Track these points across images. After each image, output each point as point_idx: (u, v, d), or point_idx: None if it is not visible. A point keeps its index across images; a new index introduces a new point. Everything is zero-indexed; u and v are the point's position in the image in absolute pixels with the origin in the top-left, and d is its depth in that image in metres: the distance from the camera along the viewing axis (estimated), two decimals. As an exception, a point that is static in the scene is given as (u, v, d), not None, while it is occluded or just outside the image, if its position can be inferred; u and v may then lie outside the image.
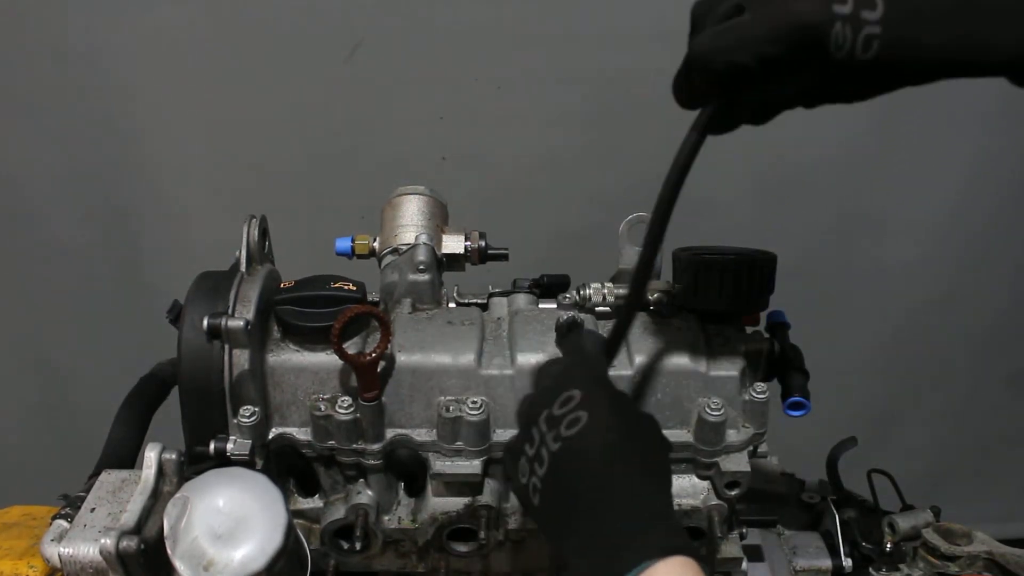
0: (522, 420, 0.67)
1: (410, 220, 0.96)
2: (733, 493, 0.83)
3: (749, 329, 0.88)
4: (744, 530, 0.89)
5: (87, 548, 0.72)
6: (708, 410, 0.80)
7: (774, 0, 0.54)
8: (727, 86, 0.58)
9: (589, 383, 0.65)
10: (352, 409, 0.80)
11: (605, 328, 0.88)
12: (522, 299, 0.93)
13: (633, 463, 0.61)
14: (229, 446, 0.79)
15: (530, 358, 0.84)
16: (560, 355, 0.80)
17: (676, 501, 0.84)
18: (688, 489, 0.85)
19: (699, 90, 0.60)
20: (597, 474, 0.60)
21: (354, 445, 0.82)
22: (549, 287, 0.96)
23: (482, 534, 0.83)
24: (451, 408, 0.81)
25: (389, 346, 0.80)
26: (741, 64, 0.55)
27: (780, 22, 0.53)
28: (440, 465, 0.83)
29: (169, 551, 0.68)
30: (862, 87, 0.58)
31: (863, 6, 0.52)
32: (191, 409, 0.82)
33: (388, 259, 0.94)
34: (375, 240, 0.97)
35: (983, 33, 0.53)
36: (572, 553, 0.59)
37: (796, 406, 0.84)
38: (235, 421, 0.80)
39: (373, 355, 0.78)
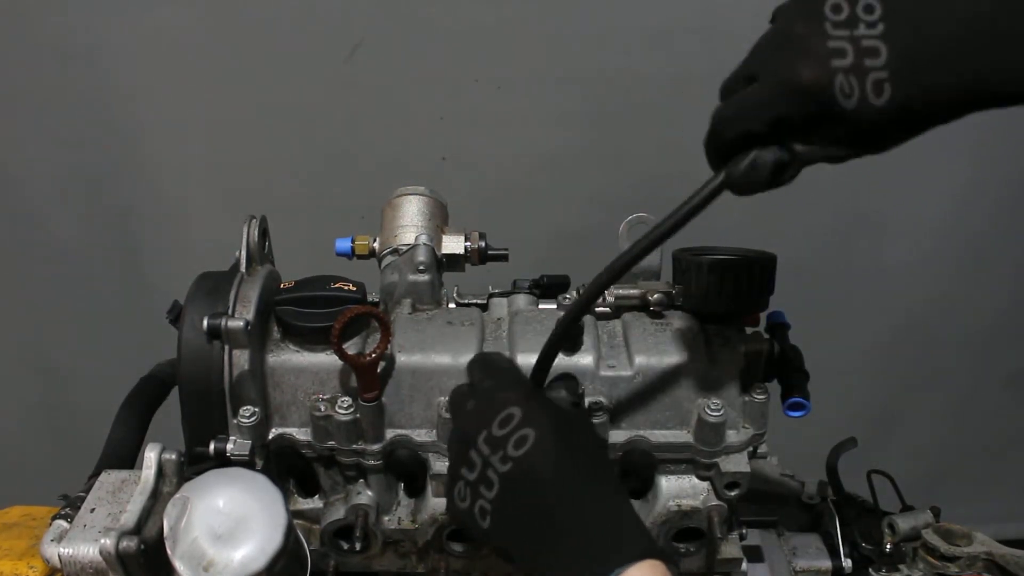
0: (455, 445, 0.68)
1: (410, 220, 0.96)
2: (733, 494, 0.83)
3: (749, 330, 0.88)
4: (744, 531, 0.89)
5: (87, 548, 0.72)
6: (708, 411, 0.80)
7: (779, 67, 0.57)
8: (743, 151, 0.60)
9: (524, 399, 0.66)
10: (352, 409, 0.80)
11: (606, 328, 0.88)
12: (522, 300, 0.93)
13: (587, 473, 0.63)
14: (229, 446, 0.79)
15: (530, 358, 0.83)
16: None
17: (676, 501, 0.84)
18: (688, 490, 0.85)
19: (723, 156, 0.63)
20: (557, 492, 0.61)
21: (354, 445, 0.82)
22: (549, 288, 0.96)
23: (482, 534, 0.83)
24: (451, 408, 0.81)
25: (389, 346, 0.80)
26: (752, 131, 0.58)
27: (783, 87, 0.56)
28: (440, 465, 0.83)
29: (169, 551, 0.68)
30: (889, 133, 0.57)
31: (865, 55, 0.53)
32: (191, 409, 0.82)
33: (388, 259, 0.94)
34: (375, 240, 0.97)
35: (1002, 62, 0.52)
36: (545, 569, 0.60)
37: (796, 407, 0.84)
38: (235, 421, 0.80)
39: (373, 355, 0.78)
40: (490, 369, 0.74)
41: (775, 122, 0.57)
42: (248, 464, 0.79)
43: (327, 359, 0.82)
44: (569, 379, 0.79)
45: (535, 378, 0.75)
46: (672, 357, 0.83)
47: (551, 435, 0.63)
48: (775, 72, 0.57)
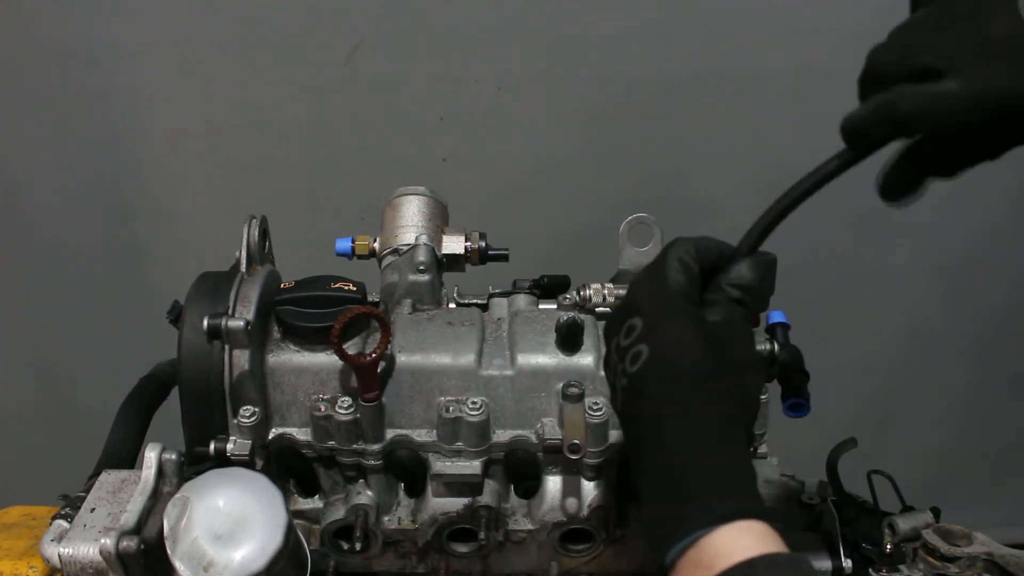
0: (604, 338, 0.64)
1: (410, 221, 0.96)
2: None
3: (749, 330, 0.88)
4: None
5: (87, 548, 0.72)
6: (708, 411, 0.80)
7: (977, 71, 0.54)
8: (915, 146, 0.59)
9: (653, 309, 0.60)
10: (352, 410, 0.80)
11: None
12: (522, 300, 0.93)
13: (699, 411, 0.56)
14: (229, 446, 0.79)
15: (530, 359, 0.84)
16: None
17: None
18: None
19: (879, 139, 0.60)
20: (657, 428, 0.56)
21: (354, 446, 0.82)
22: (549, 288, 0.96)
23: (482, 535, 0.83)
24: (451, 408, 0.81)
25: (389, 347, 0.80)
26: (940, 131, 0.56)
27: (988, 97, 0.54)
28: (440, 465, 0.83)
29: (169, 551, 0.68)
30: None
31: None
32: (191, 409, 0.82)
33: (388, 260, 0.94)
34: (375, 241, 0.97)
35: None
36: (641, 494, 0.58)
37: (796, 407, 0.84)
38: (235, 421, 0.80)
39: (373, 356, 0.78)
40: (650, 268, 0.64)
41: (959, 130, 0.56)
42: (248, 464, 0.79)
43: (327, 359, 0.82)
44: (749, 267, 0.64)
45: (753, 239, 0.65)
46: (672, 357, 0.83)
47: (666, 358, 0.57)
48: (971, 77, 0.54)
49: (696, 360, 0.57)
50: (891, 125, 0.58)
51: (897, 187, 0.63)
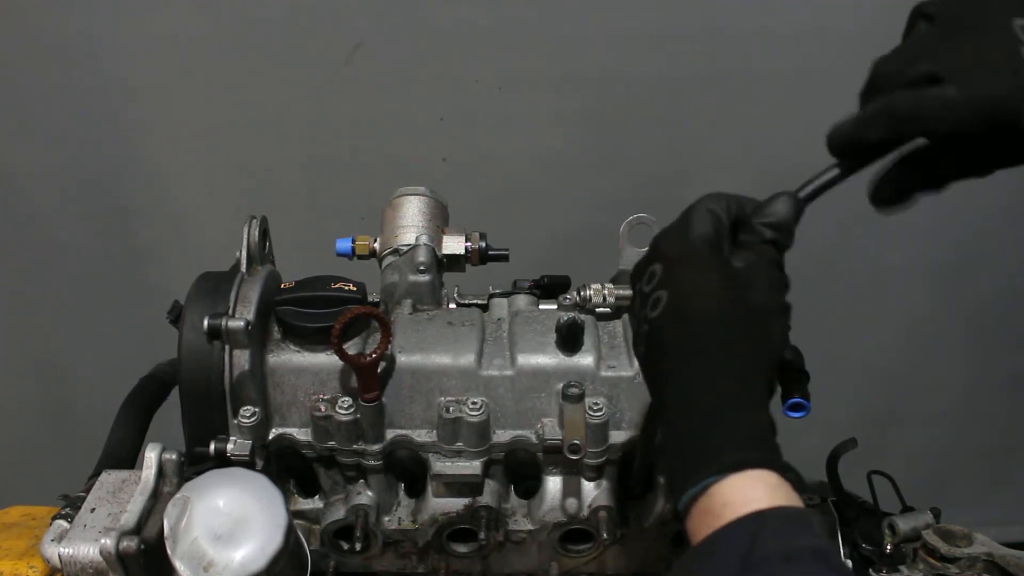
0: (631, 284, 0.65)
1: (410, 221, 0.96)
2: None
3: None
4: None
5: (87, 548, 0.72)
6: (708, 411, 0.80)
7: (975, 78, 0.56)
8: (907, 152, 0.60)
9: (673, 255, 0.60)
10: (352, 410, 0.80)
11: (606, 329, 0.88)
12: (522, 300, 0.93)
13: (717, 358, 0.56)
14: (229, 447, 0.79)
15: (530, 359, 0.84)
16: None
17: (677, 503, 0.84)
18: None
19: (874, 143, 0.60)
20: (677, 371, 0.57)
21: (354, 446, 0.82)
22: (549, 288, 0.96)
23: (482, 535, 0.83)
24: (451, 409, 0.81)
25: (389, 347, 0.80)
26: (935, 133, 0.57)
27: (984, 104, 0.55)
28: (440, 466, 0.83)
29: (169, 552, 0.68)
30: None
31: None
32: (191, 409, 0.82)
33: (388, 260, 0.94)
34: (375, 241, 0.97)
35: None
36: (663, 435, 0.58)
37: (796, 407, 0.84)
38: (235, 422, 0.80)
39: (373, 356, 0.78)
40: (682, 217, 0.63)
41: (953, 134, 0.57)
42: (248, 464, 0.79)
43: (327, 359, 0.82)
44: (789, 201, 0.62)
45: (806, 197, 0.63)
46: (672, 358, 0.83)
47: (681, 304, 0.57)
48: (969, 83, 0.55)
49: (714, 306, 0.57)
50: (887, 125, 0.58)
51: (887, 196, 0.64)
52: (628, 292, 0.89)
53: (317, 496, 0.88)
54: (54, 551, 0.73)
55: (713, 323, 0.57)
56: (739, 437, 0.53)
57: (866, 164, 0.62)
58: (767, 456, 0.53)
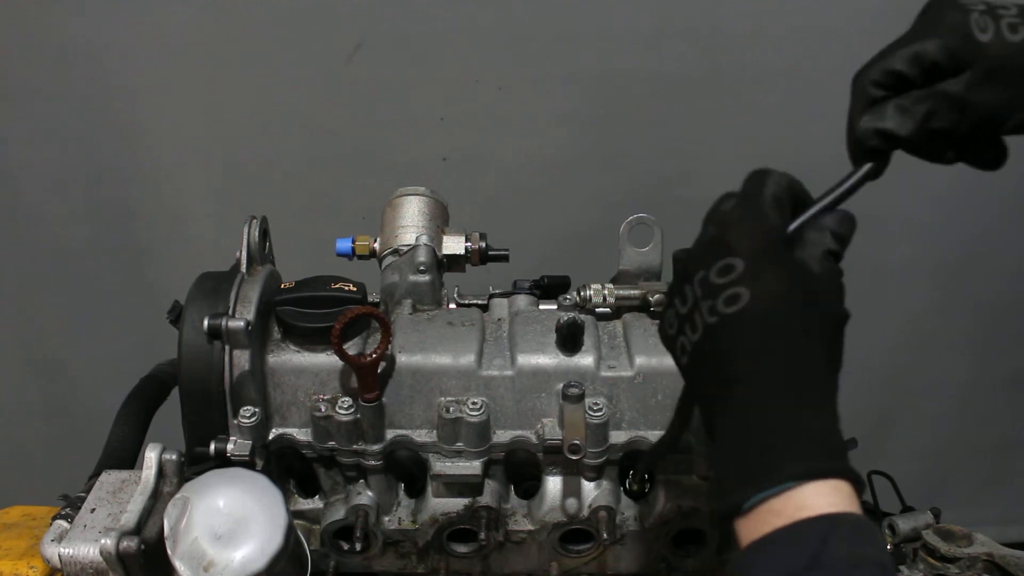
0: (677, 269, 0.62)
1: (411, 221, 0.96)
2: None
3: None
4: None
5: (87, 548, 0.72)
6: (708, 411, 0.80)
7: (918, 20, 0.60)
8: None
9: (755, 252, 0.57)
10: (352, 410, 0.80)
11: (606, 329, 0.88)
12: (522, 300, 0.93)
13: (798, 367, 0.55)
14: (229, 447, 0.79)
15: (530, 359, 0.84)
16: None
17: (676, 503, 0.84)
18: (689, 490, 0.85)
19: (866, 104, 0.62)
20: (754, 371, 0.55)
21: (354, 446, 0.82)
22: (549, 288, 0.96)
23: (482, 535, 0.83)
24: (451, 409, 0.81)
25: (389, 347, 0.80)
26: (894, 68, 0.59)
27: (922, 24, 0.60)
28: (440, 466, 0.83)
29: (169, 552, 0.68)
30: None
31: (1001, 4, 0.58)
32: (191, 410, 0.82)
33: (389, 260, 0.94)
34: (376, 241, 0.97)
35: None
36: (719, 438, 0.56)
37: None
38: (235, 422, 0.80)
39: (373, 356, 0.78)
40: (749, 205, 0.61)
41: (915, 57, 0.58)
42: (248, 464, 0.79)
43: (327, 359, 0.82)
44: (841, 220, 0.63)
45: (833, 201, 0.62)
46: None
47: (769, 306, 0.55)
48: (915, 23, 0.60)
49: (800, 310, 0.56)
50: (863, 87, 0.61)
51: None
52: (629, 292, 0.89)
53: (317, 496, 0.88)
54: (54, 551, 0.73)
55: (798, 329, 0.56)
56: (823, 444, 0.54)
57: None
58: (847, 467, 0.53)
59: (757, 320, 0.56)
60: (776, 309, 0.56)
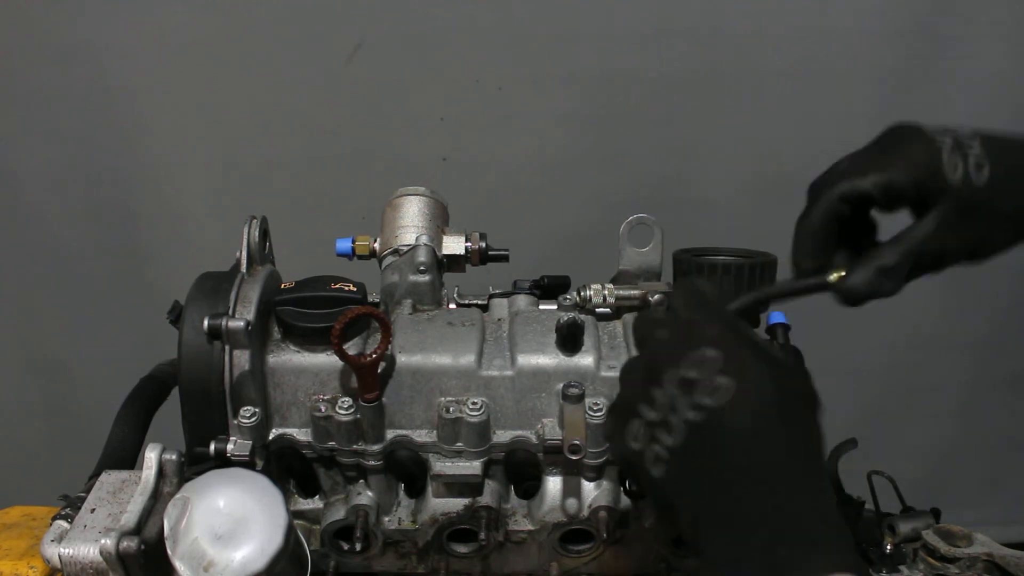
0: (637, 376, 0.58)
1: (411, 221, 0.96)
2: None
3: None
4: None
5: (87, 549, 0.72)
6: (708, 411, 0.80)
7: (887, 145, 0.64)
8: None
9: (727, 339, 0.55)
10: (352, 410, 0.80)
11: (606, 329, 0.88)
12: (522, 300, 0.93)
13: (794, 447, 0.53)
14: (229, 447, 0.79)
15: (530, 359, 0.84)
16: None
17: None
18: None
19: (828, 212, 0.66)
20: (754, 463, 0.52)
21: (354, 446, 0.82)
22: (550, 288, 0.96)
23: (482, 535, 0.83)
24: (451, 409, 0.81)
25: (389, 347, 0.80)
26: (862, 189, 0.64)
27: (895, 154, 0.64)
28: (440, 466, 0.83)
29: (169, 552, 0.68)
30: (991, 211, 0.65)
31: (965, 137, 0.63)
32: (191, 410, 0.82)
33: (389, 260, 0.94)
34: (376, 241, 0.97)
35: None
36: (719, 550, 0.53)
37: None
38: (235, 422, 0.80)
39: (373, 356, 0.78)
40: (693, 297, 0.60)
41: (886, 185, 0.62)
42: (248, 464, 0.79)
43: (327, 359, 0.82)
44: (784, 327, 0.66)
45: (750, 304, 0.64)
46: (672, 358, 0.83)
47: (757, 391, 0.53)
48: (882, 141, 0.64)
49: (781, 396, 0.54)
50: (820, 194, 0.66)
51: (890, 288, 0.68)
52: (629, 292, 0.89)
53: (317, 496, 0.88)
54: (54, 551, 0.73)
55: (787, 412, 0.54)
56: (829, 534, 0.51)
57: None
58: (855, 560, 0.50)
59: (748, 406, 0.53)
60: (766, 393, 0.53)
